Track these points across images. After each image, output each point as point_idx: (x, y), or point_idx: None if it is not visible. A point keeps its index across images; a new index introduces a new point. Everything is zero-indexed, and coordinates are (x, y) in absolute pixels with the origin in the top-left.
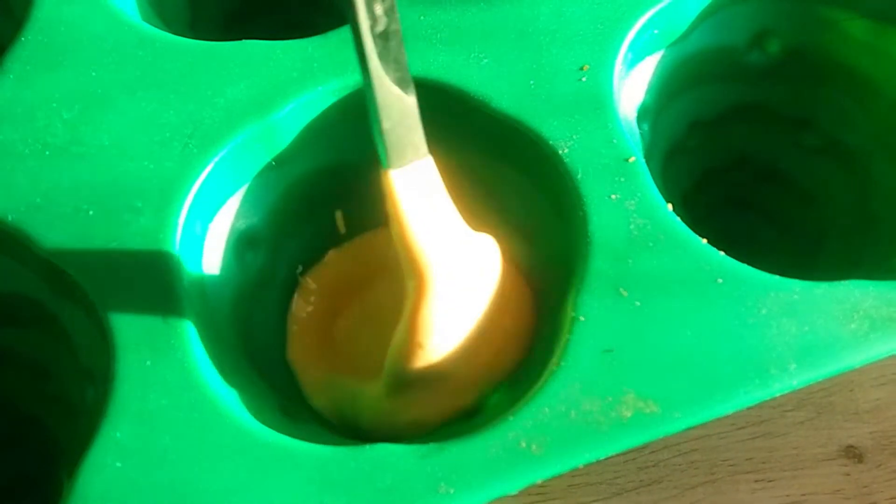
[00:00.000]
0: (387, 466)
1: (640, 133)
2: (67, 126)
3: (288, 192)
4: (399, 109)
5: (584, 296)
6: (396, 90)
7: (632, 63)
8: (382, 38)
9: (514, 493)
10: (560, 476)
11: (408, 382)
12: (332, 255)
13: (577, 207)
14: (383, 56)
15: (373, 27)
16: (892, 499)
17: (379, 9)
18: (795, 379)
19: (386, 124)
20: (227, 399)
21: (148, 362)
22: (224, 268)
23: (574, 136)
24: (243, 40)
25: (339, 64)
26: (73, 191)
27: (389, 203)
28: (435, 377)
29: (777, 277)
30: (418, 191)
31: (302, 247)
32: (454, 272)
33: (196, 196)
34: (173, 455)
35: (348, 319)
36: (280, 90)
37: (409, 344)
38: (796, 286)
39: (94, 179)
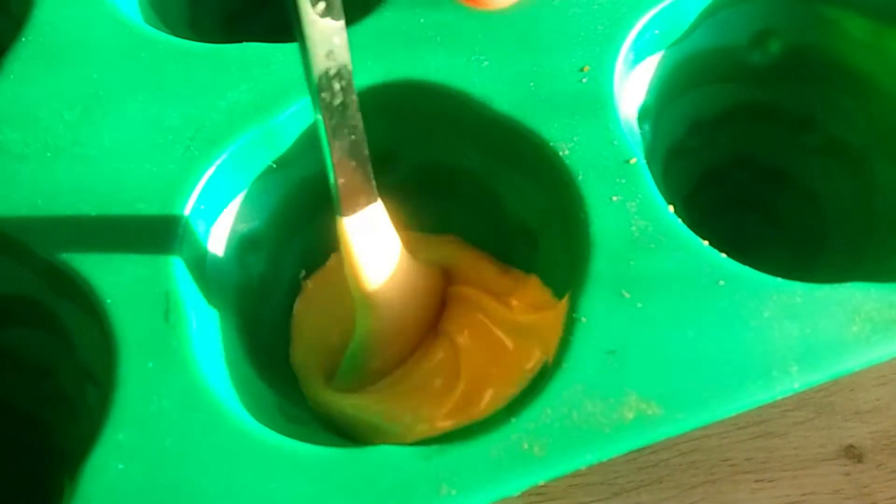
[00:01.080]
0: (388, 468)
1: (641, 134)
2: (69, 127)
3: (289, 195)
4: (352, 167)
5: (585, 297)
6: (350, 151)
7: (632, 64)
8: (340, 109)
9: (515, 494)
10: (560, 477)
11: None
12: (334, 258)
13: (579, 209)
14: (339, 125)
15: (331, 101)
16: (891, 499)
17: (337, 85)
18: (797, 381)
19: (340, 180)
20: (229, 401)
21: (150, 364)
22: (226, 271)
23: (575, 138)
24: (245, 43)
25: None
26: (75, 192)
27: (342, 246)
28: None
29: (779, 280)
30: (368, 234)
31: (304, 250)
32: (398, 303)
33: (198, 199)
34: (175, 457)
35: (350, 323)
36: (281, 93)
37: (361, 368)
38: (798, 288)
39: (96, 181)
